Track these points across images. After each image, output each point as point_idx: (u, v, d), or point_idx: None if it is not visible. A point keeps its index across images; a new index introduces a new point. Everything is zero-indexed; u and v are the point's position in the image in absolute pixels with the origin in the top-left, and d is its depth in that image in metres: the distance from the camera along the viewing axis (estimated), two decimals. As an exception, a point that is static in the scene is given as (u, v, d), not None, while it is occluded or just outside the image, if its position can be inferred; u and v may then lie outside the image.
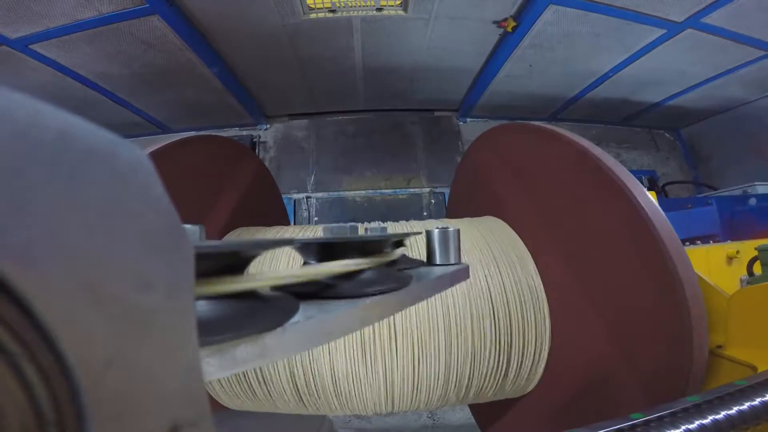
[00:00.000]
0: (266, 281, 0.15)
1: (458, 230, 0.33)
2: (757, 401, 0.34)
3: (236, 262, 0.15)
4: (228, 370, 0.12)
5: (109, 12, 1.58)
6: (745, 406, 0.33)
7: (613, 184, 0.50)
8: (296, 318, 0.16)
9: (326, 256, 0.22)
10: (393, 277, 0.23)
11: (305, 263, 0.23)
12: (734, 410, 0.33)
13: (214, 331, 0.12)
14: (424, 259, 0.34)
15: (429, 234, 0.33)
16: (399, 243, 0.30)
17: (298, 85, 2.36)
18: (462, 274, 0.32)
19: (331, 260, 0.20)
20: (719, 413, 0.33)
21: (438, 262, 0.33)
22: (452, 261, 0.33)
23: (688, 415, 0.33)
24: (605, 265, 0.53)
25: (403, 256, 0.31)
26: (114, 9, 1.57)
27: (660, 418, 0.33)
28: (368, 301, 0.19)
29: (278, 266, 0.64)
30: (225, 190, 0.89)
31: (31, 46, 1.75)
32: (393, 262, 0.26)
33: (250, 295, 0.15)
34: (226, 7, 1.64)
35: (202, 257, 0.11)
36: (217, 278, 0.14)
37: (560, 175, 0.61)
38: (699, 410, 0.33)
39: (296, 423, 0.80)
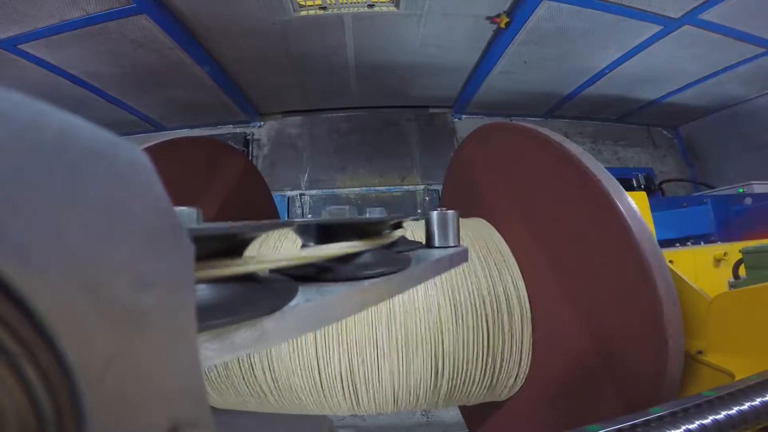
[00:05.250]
0: (265, 264, 0.15)
1: (457, 213, 0.33)
2: (722, 414, 0.33)
3: (234, 245, 0.15)
4: (227, 355, 0.12)
5: (96, 12, 1.57)
6: (709, 419, 0.32)
7: (592, 186, 0.49)
8: (295, 301, 0.15)
9: (325, 238, 0.21)
10: (392, 260, 0.22)
11: (304, 246, 0.22)
12: (696, 424, 0.32)
13: (213, 315, 0.12)
14: (423, 242, 0.33)
15: (428, 216, 0.33)
16: (398, 225, 0.29)
17: (291, 83, 2.34)
18: (461, 256, 0.32)
19: (329, 243, 0.20)
20: (679, 428, 0.32)
21: (437, 245, 0.32)
22: (451, 243, 0.32)
23: (648, 429, 0.32)
24: (586, 269, 0.53)
25: (402, 238, 0.31)
26: (101, 9, 1.56)
27: (619, 431, 0.32)
28: (367, 283, 0.19)
29: (275, 250, 0.64)
30: (209, 190, 0.88)
31: (19, 46, 1.75)
32: (392, 245, 0.26)
33: (249, 278, 0.15)
34: (214, 5, 1.63)
35: (200, 240, 0.11)
36: (215, 261, 0.13)
37: (543, 177, 0.60)
38: (660, 423, 0.32)
39: (296, 423, 0.81)
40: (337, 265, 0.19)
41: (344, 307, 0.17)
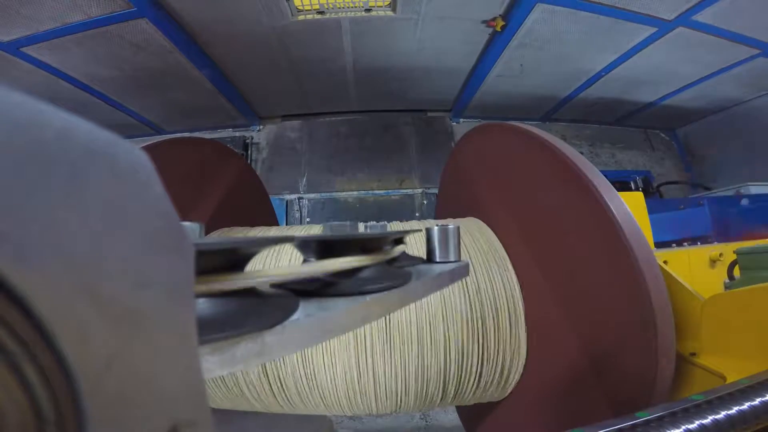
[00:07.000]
0: (266, 279, 0.15)
1: (458, 228, 0.33)
2: (722, 414, 0.32)
3: (236, 259, 0.15)
4: (228, 368, 0.12)
5: (97, 15, 1.59)
6: (708, 419, 0.32)
7: (582, 186, 0.49)
8: (296, 316, 0.15)
9: (326, 253, 0.22)
10: (393, 275, 0.23)
11: (305, 260, 0.22)
12: (695, 424, 0.32)
13: (214, 329, 0.12)
14: (424, 257, 0.34)
15: (429, 231, 0.33)
16: (399, 240, 0.29)
17: (290, 87, 2.35)
18: (462, 271, 0.32)
19: (331, 257, 0.20)
20: (679, 428, 0.32)
21: (438, 260, 0.32)
22: (452, 258, 0.32)
23: (647, 429, 0.32)
24: (578, 270, 0.53)
25: (403, 253, 0.31)
26: (102, 12, 1.57)
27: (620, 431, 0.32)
28: (368, 298, 0.19)
29: (277, 264, 0.64)
30: (206, 192, 0.89)
31: (22, 49, 1.76)
32: (393, 260, 0.26)
33: (250, 293, 0.15)
34: (213, 9, 1.64)
35: (202, 254, 0.11)
36: (216, 276, 0.14)
37: (533, 175, 0.61)
38: (660, 423, 0.32)
39: (296, 423, 0.80)
40: (338, 280, 0.19)
41: (345, 321, 0.17)
